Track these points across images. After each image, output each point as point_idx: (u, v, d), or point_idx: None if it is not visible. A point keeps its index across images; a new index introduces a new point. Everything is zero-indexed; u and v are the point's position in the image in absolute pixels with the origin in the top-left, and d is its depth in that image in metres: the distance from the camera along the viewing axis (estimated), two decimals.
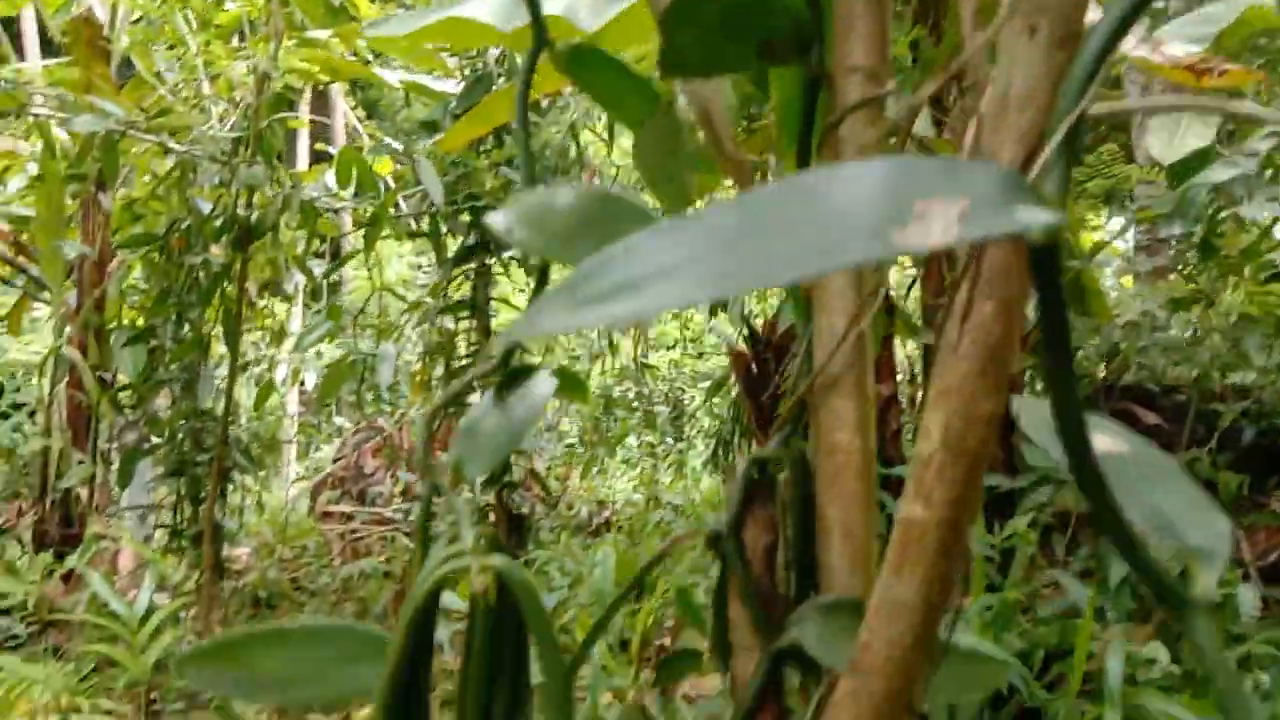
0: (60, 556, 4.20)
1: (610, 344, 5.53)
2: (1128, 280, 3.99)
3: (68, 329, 4.47)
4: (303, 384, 6.80)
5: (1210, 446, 2.47)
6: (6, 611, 3.97)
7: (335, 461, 4.93)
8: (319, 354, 6.08)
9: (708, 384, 5.26)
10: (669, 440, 6.06)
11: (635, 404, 6.29)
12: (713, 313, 3.73)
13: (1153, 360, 2.66)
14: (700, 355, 6.98)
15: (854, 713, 0.63)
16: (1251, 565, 2.07)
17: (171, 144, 3.23)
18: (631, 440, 6.34)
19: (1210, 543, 0.56)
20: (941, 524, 0.58)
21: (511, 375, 0.75)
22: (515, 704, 0.67)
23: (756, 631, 0.68)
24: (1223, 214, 2.26)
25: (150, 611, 3.35)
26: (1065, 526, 2.46)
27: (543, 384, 0.74)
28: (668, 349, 6.92)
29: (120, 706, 3.25)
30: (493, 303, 3.44)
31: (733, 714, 0.68)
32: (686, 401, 7.00)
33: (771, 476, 0.71)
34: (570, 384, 0.79)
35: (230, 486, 3.57)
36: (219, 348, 3.97)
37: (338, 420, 6.38)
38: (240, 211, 3.21)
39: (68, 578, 4.20)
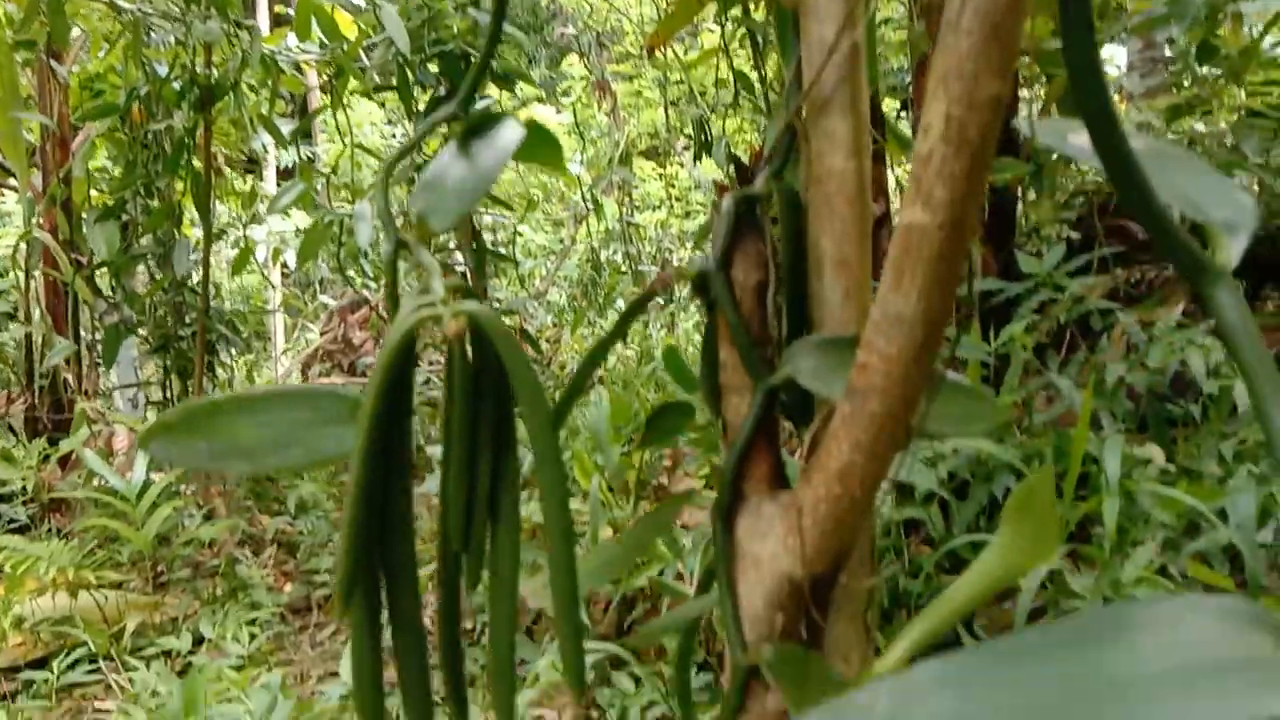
0: (54, 442, 4.19)
1: (595, 204, 5.42)
2: (1122, 106, 3.89)
3: (37, 212, 4.36)
4: (285, 265, 6.71)
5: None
6: (6, 498, 3.98)
7: (322, 335, 4.89)
8: (299, 232, 5.98)
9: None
10: (659, 300, 6.02)
11: (623, 267, 6.22)
12: (697, 158, 3.63)
13: None
14: (687, 215, 6.87)
15: (851, 436, 0.60)
16: None
17: (121, 3, 3.07)
18: (620, 304, 6.30)
19: (1235, 217, 0.52)
20: (943, 226, 0.54)
21: (476, 123, 0.69)
22: (500, 461, 0.64)
23: (748, 371, 0.64)
24: (1222, 13, 2.17)
25: (147, 486, 3.36)
26: (1059, 345, 2.45)
27: (509, 131, 0.69)
28: (653, 209, 6.80)
29: (127, 578, 3.29)
30: None
31: (726, 456, 0.65)
32: (675, 262, 6.94)
33: (760, 214, 0.66)
34: (541, 140, 0.74)
35: (216, 360, 3.54)
36: (195, 231, 3.88)
37: (322, 298, 6.32)
38: (199, 71, 3.07)
39: (64, 462, 4.21)
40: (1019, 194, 2.60)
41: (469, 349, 0.62)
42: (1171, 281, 2.45)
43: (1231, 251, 0.49)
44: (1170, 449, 1.87)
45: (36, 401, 4.48)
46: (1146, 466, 1.78)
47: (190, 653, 2.72)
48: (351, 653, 0.65)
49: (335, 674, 2.68)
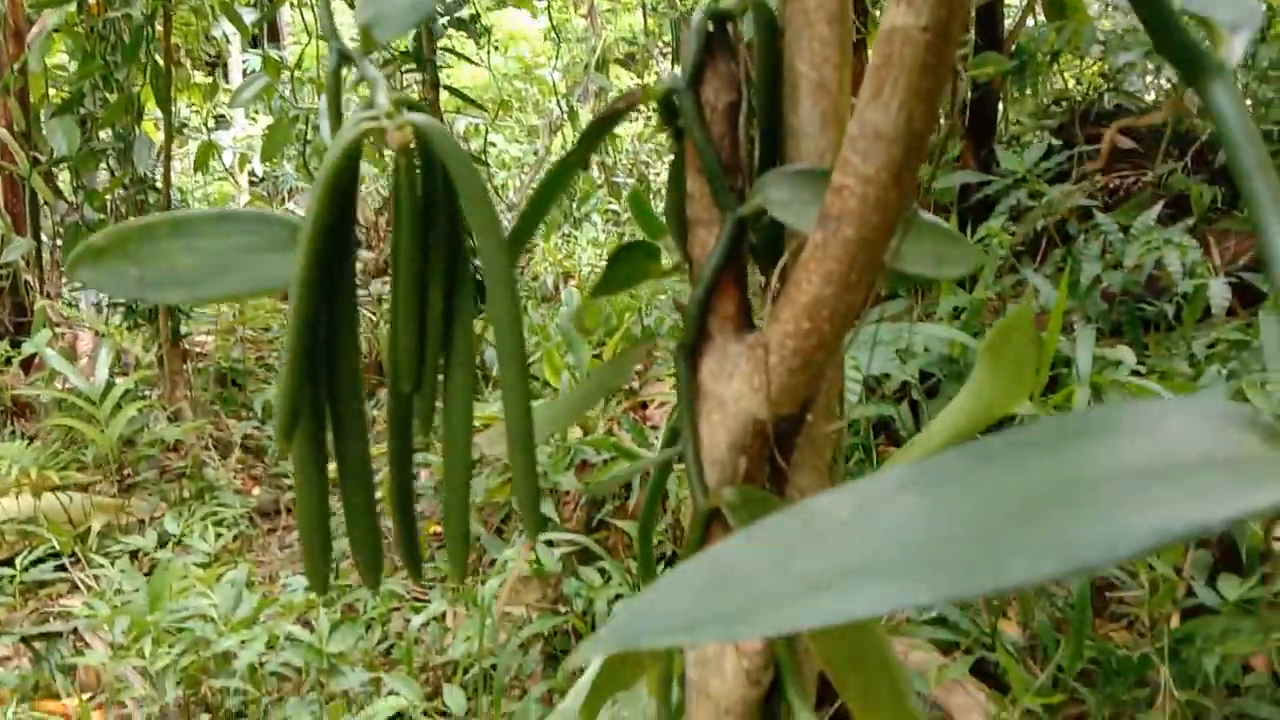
0: (16, 345, 4.11)
1: (571, 112, 5.31)
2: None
3: None
4: (252, 174, 6.56)
5: (1185, 163, 2.42)
6: None
7: None
8: (267, 132, 5.81)
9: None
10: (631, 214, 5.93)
11: (599, 179, 6.12)
12: (675, 62, 3.52)
13: (1131, 82, 2.56)
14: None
15: (823, 267, 0.57)
16: (1221, 269, 2.05)
17: None
18: (597, 219, 6.21)
19: (1238, 15, 0.49)
20: (928, 29, 0.50)
21: None
22: (453, 293, 0.61)
23: (717, 201, 0.61)
24: None
25: (110, 387, 3.31)
26: (1035, 253, 2.43)
27: None
28: (630, 120, 6.67)
29: (92, 479, 3.26)
30: (440, 54, 3.23)
31: (691, 293, 0.62)
32: (653, 177, 6.84)
33: (733, 34, 0.62)
34: None
35: None
36: (159, 137, 3.75)
37: (290, 206, 6.19)
38: None
39: (27, 366, 4.14)
40: (1001, 95, 2.55)
41: (418, 168, 0.58)
42: (1150, 186, 2.42)
43: (1233, 49, 0.46)
44: (1143, 353, 1.86)
45: None
46: (1117, 367, 1.78)
47: (157, 550, 2.70)
48: (296, 495, 0.62)
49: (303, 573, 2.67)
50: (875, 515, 0.35)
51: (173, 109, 3.27)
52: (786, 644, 0.61)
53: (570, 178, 0.62)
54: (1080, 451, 0.36)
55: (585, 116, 6.00)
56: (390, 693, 1.80)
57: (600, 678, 0.72)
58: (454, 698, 1.76)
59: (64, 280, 4.59)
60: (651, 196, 6.69)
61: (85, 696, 2.15)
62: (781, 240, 0.65)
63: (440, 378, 0.63)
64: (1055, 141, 2.55)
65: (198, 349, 4.42)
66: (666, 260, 0.69)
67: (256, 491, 3.31)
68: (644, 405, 2.39)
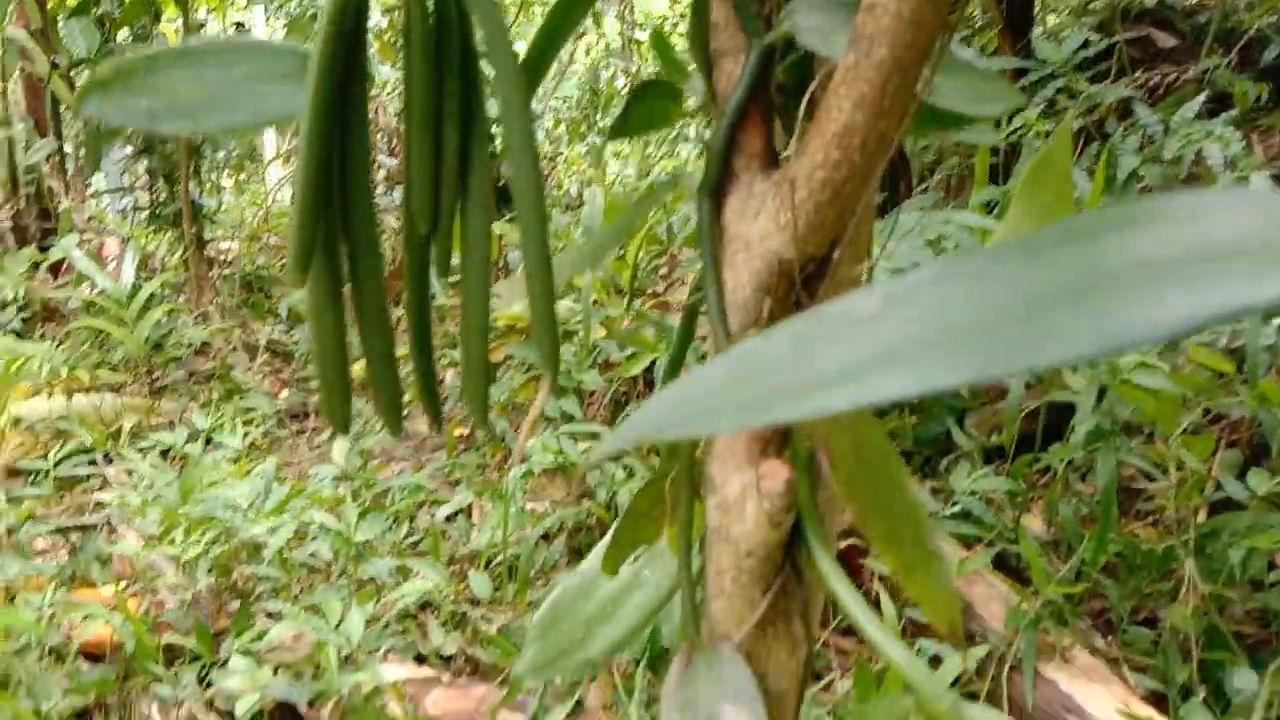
0: (44, 250, 4.13)
1: (595, 20, 5.18)
2: None
3: (10, 12, 4.17)
4: None
5: (1230, 59, 2.33)
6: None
7: None
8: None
9: None
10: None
11: (623, 90, 6.01)
12: None
13: None
14: None
15: (855, 91, 0.54)
16: (1265, 165, 1.98)
17: None
18: None
19: None
20: None
21: None
22: (468, 128, 0.59)
23: (743, 29, 0.58)
24: None
25: (136, 290, 3.32)
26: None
27: None
28: (657, 27, 6.52)
29: (122, 379, 3.30)
30: None
31: (715, 128, 0.60)
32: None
33: None
34: None
35: (203, 163, 3.44)
36: (176, 39, 3.71)
37: None
38: None
39: (55, 271, 4.17)
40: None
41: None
42: (1190, 83, 2.34)
43: None
44: None
45: (23, 209, 4.40)
46: None
47: (186, 445, 2.73)
48: (311, 333, 0.61)
49: None
50: (905, 306, 0.34)
51: (190, 8, 3.21)
52: (808, 488, 0.60)
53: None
54: (1124, 238, 0.34)
55: (610, 21, 5.87)
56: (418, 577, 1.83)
57: (619, 531, 0.72)
58: (479, 582, 1.79)
59: (88, 186, 4.60)
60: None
61: (120, 585, 2.20)
62: (810, 79, 0.63)
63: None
64: (1094, 36, 2.46)
65: (222, 256, 4.43)
66: (689, 102, 0.67)
67: (284, 394, 3.34)
68: (667, 306, 2.37)
